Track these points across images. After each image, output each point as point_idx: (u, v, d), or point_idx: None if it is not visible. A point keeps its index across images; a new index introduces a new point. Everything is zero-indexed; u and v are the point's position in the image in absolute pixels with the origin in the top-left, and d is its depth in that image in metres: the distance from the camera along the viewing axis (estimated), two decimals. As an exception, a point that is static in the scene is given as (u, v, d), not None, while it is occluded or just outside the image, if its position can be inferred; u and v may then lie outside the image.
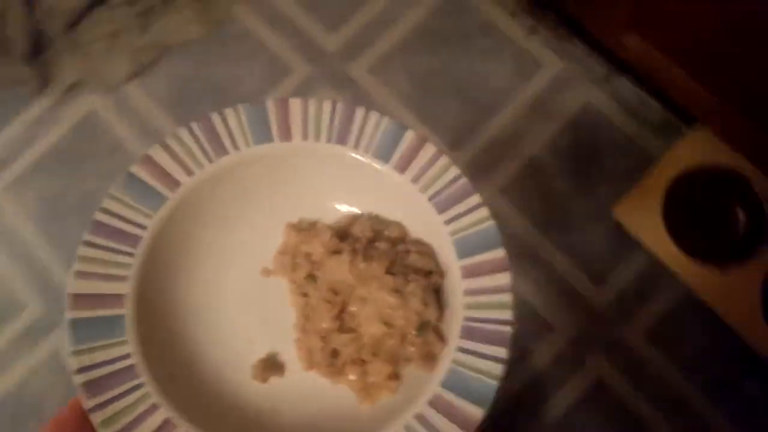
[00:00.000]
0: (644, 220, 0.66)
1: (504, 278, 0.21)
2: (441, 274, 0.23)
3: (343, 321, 0.23)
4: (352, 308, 0.23)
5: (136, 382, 0.20)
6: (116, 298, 0.21)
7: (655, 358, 0.72)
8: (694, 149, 0.64)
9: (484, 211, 0.22)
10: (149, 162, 0.22)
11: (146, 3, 0.86)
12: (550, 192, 0.78)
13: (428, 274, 0.23)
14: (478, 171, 0.80)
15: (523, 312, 0.75)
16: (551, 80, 0.81)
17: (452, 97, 0.81)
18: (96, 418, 0.19)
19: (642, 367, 0.72)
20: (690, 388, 0.71)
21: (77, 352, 0.20)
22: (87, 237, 0.22)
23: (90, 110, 0.86)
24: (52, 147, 0.85)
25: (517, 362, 0.74)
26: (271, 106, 0.23)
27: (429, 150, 0.23)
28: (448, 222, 0.22)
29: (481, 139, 0.81)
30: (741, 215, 0.64)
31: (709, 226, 0.65)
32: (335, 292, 0.23)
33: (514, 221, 0.78)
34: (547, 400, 0.73)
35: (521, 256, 0.77)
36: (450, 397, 0.20)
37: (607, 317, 0.74)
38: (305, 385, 0.23)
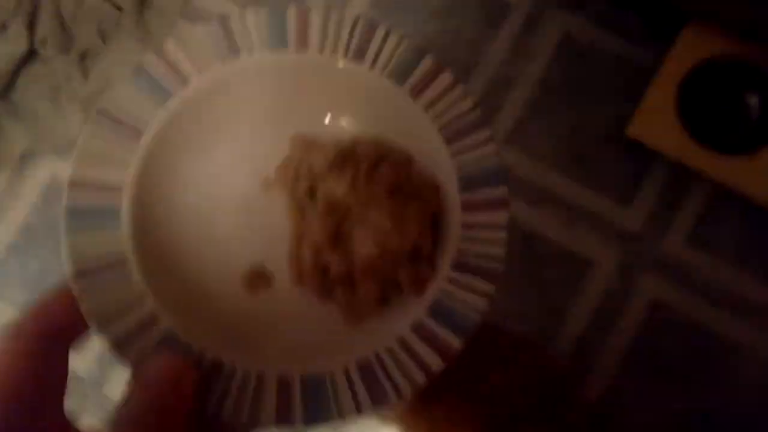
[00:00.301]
0: (661, 128, 0.65)
1: (502, 215, 0.21)
2: (441, 204, 0.22)
3: (337, 239, 0.23)
4: (348, 228, 0.23)
5: (124, 274, 0.20)
6: (114, 191, 0.21)
7: (702, 262, 0.72)
8: (694, 47, 0.62)
9: (491, 147, 0.22)
10: (161, 55, 0.22)
11: (81, 47, 0.79)
12: (553, 129, 0.76)
13: (428, 203, 0.23)
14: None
15: (560, 255, 0.74)
16: (523, 20, 0.79)
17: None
18: (84, 304, 0.19)
19: (692, 274, 0.72)
20: (744, 280, 0.70)
21: (71, 239, 0.20)
22: (90, 126, 0.21)
23: (52, 174, 0.79)
24: (22, 225, 0.77)
25: (569, 305, 0.72)
26: (291, 12, 0.22)
27: (446, 78, 0.23)
28: (455, 155, 0.22)
29: (470, 93, 0.78)
30: (754, 100, 0.63)
31: (727, 118, 0.64)
32: (333, 210, 0.23)
33: (526, 168, 0.76)
34: (611, 335, 0.71)
35: (543, 201, 0.75)
36: (433, 324, 0.20)
37: (644, 236, 0.73)
38: (292, 301, 0.23)
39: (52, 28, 0.75)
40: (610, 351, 0.71)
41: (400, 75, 0.22)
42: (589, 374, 0.71)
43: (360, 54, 0.22)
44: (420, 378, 0.20)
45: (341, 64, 0.22)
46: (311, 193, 0.23)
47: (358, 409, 0.19)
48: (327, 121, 0.24)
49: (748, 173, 0.63)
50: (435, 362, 0.20)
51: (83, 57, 0.79)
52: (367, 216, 0.22)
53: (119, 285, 0.20)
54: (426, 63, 0.23)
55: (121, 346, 0.20)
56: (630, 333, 0.71)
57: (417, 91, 0.23)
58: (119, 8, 0.77)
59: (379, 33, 0.22)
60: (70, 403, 0.18)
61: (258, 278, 0.23)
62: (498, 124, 0.77)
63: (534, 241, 0.74)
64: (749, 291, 0.70)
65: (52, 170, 0.78)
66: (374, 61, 0.22)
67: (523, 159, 0.76)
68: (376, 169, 0.23)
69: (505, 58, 0.79)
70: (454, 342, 0.21)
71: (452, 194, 0.22)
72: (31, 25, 0.75)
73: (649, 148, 0.69)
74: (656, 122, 0.65)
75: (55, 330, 0.18)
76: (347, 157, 0.23)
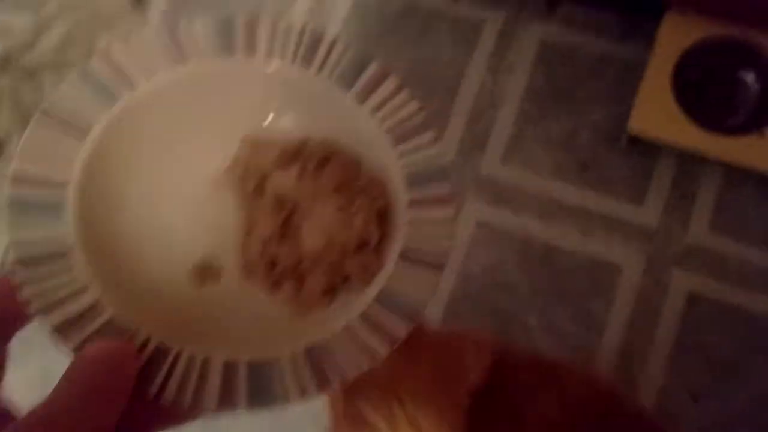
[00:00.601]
0: (662, 120, 0.63)
1: (446, 211, 0.22)
2: (388, 200, 0.23)
3: (285, 232, 0.24)
4: (296, 221, 0.24)
5: (65, 264, 0.20)
6: (58, 186, 0.21)
7: (730, 247, 0.70)
8: (678, 35, 0.62)
9: (436, 147, 0.23)
10: (106, 58, 0.22)
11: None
12: (550, 140, 0.74)
13: (375, 198, 0.23)
14: (473, 148, 0.75)
15: (584, 266, 0.71)
16: (496, 36, 0.78)
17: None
18: (25, 293, 0.20)
19: (722, 260, 0.69)
20: (776, 258, 0.68)
21: (15, 228, 0.20)
22: (33, 124, 0.21)
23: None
24: None
25: (604, 314, 0.69)
26: (239, 21, 0.23)
27: (391, 83, 0.23)
28: (402, 155, 0.23)
29: (459, 116, 0.76)
30: (750, 77, 0.62)
31: (727, 98, 0.63)
32: (281, 204, 0.24)
33: (531, 182, 0.73)
34: (653, 337, 0.68)
35: (554, 213, 0.72)
36: (378, 312, 0.21)
37: (664, 231, 0.71)
38: (240, 293, 0.23)
39: None
40: (656, 353, 0.68)
41: (347, 80, 0.23)
42: (638, 381, 0.68)
43: (308, 60, 0.23)
44: (365, 363, 0.20)
45: (289, 69, 0.23)
46: (260, 189, 0.24)
47: (302, 394, 0.20)
48: (275, 124, 0.25)
49: (760, 150, 0.62)
50: (381, 348, 0.20)
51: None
52: (314, 210, 0.23)
53: (62, 275, 0.20)
54: (372, 69, 0.23)
55: (62, 332, 0.20)
56: (672, 331, 0.68)
57: (364, 96, 0.23)
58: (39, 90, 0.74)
59: (326, 41, 0.23)
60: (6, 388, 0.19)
61: (206, 272, 0.24)
62: (493, 143, 0.75)
63: (554, 255, 0.71)
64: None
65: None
66: (321, 67, 0.23)
67: (527, 174, 0.74)
68: (324, 166, 0.24)
69: (486, 77, 0.77)
70: (400, 328, 0.21)
71: (399, 191, 0.22)
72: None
73: (652, 141, 0.67)
74: (656, 114, 0.64)
75: None
76: (295, 154, 0.24)
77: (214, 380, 0.20)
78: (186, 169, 0.24)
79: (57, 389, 0.17)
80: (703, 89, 0.63)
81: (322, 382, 0.20)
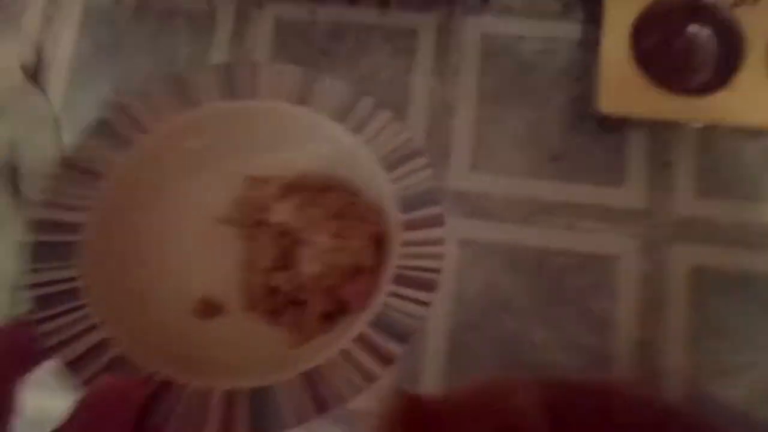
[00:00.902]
0: (631, 93, 0.59)
1: (438, 232, 0.23)
2: (383, 225, 0.24)
3: (285, 261, 0.25)
4: (296, 250, 0.25)
5: (78, 303, 0.21)
6: (73, 229, 0.22)
7: (721, 209, 0.66)
8: (625, 5, 0.57)
9: (427, 172, 0.24)
10: (121, 109, 0.24)
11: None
12: (514, 138, 0.70)
13: (370, 224, 0.24)
14: (437, 162, 0.69)
15: (578, 263, 0.66)
16: (433, 40, 0.73)
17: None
18: (42, 329, 0.21)
19: (716, 224, 0.66)
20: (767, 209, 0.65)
21: (33, 270, 0.22)
22: (53, 172, 0.23)
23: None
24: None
25: (611, 309, 0.65)
26: (242, 68, 0.25)
27: (383, 116, 0.25)
28: (395, 181, 0.24)
29: (415, 132, 0.70)
30: (706, 33, 0.59)
31: (688, 61, 0.59)
32: (281, 234, 0.25)
33: (503, 186, 0.68)
34: (668, 325, 0.64)
35: (534, 214, 0.67)
36: (374, 335, 0.21)
37: (652, 209, 0.67)
38: (241, 326, 0.25)
39: None
40: (674, 338, 0.64)
41: (342, 114, 0.25)
42: (663, 371, 0.64)
43: (304, 98, 0.25)
44: (363, 385, 0.21)
45: (286, 108, 0.25)
46: (261, 222, 0.25)
47: (301, 420, 0.20)
48: (275, 160, 0.26)
49: (730, 104, 0.59)
50: (377, 369, 0.21)
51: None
52: (312, 238, 0.24)
53: (74, 313, 0.21)
54: (364, 103, 0.25)
55: (73, 368, 0.20)
56: (684, 311, 0.65)
57: (358, 128, 0.25)
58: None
59: (321, 80, 0.25)
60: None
61: (208, 307, 0.25)
62: (457, 153, 0.70)
63: (546, 259, 0.66)
64: (778, 219, 0.66)
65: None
66: (317, 104, 0.25)
67: (498, 179, 0.69)
68: (322, 196, 0.25)
69: (433, 85, 0.72)
70: (395, 350, 0.21)
71: (394, 216, 0.24)
72: None
73: (619, 117, 0.63)
74: (622, 89, 0.60)
75: (12, 353, 0.19)
76: (294, 187, 0.25)
77: (216, 410, 0.20)
78: (191, 208, 0.26)
79: (67, 419, 0.17)
80: (662, 55, 0.60)
81: (321, 407, 0.20)
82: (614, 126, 0.67)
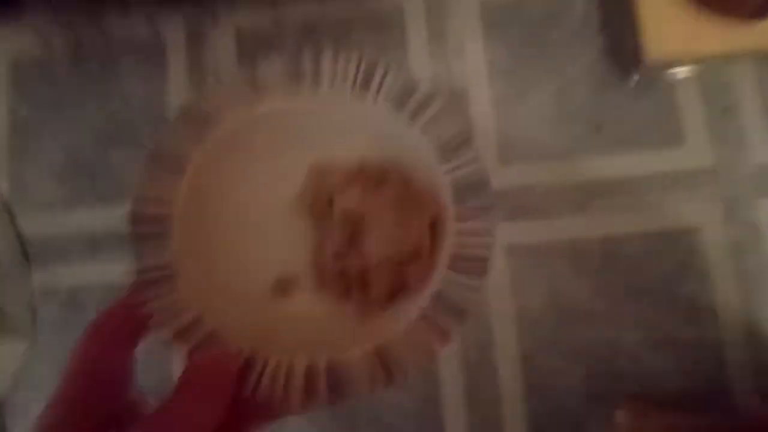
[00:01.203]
0: (680, 30, 0.49)
1: (488, 223, 0.24)
2: (437, 213, 0.25)
3: (352, 244, 0.26)
4: (361, 235, 0.26)
5: (173, 286, 0.24)
6: (164, 220, 0.24)
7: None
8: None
9: (478, 164, 0.24)
10: (203, 99, 0.25)
11: None
12: (542, 113, 0.59)
13: (426, 212, 0.26)
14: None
15: (654, 244, 0.55)
16: (422, 19, 0.62)
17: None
18: (148, 309, 0.23)
19: None
20: None
21: (135, 258, 0.24)
22: (144, 167, 0.25)
23: None
24: None
25: (705, 289, 0.54)
26: (306, 56, 0.25)
27: (437, 105, 0.25)
28: (448, 171, 0.24)
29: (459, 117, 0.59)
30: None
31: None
32: (348, 220, 0.27)
33: (546, 172, 0.57)
34: (772, 293, 0.54)
35: (591, 198, 0.56)
36: (434, 313, 0.23)
37: (724, 162, 0.56)
38: (314, 305, 0.26)
39: None
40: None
41: (400, 103, 0.25)
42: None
43: (365, 86, 0.25)
44: (426, 359, 0.23)
45: (348, 97, 0.25)
46: (327, 209, 0.27)
47: (372, 390, 0.22)
48: (337, 150, 0.27)
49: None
50: (437, 345, 0.22)
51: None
52: (375, 224, 0.26)
53: (171, 294, 0.23)
54: (420, 92, 0.25)
55: (175, 342, 0.23)
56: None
57: (414, 116, 0.25)
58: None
59: (381, 67, 0.25)
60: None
61: (284, 286, 0.27)
62: (479, 146, 0.59)
63: (614, 250, 0.55)
64: None
65: None
66: (377, 92, 0.25)
67: (535, 167, 0.58)
68: (382, 184, 0.27)
69: (434, 70, 0.60)
70: (452, 326, 0.23)
71: (447, 204, 0.24)
72: None
73: (672, 62, 0.53)
74: (671, 25, 0.49)
75: (127, 327, 0.22)
76: (356, 175, 0.27)
77: (298, 381, 0.22)
78: (264, 196, 0.27)
79: (174, 391, 0.20)
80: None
81: (389, 378, 0.22)
82: (655, 79, 0.56)
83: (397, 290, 0.26)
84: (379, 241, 0.26)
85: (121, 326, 0.22)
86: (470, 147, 0.24)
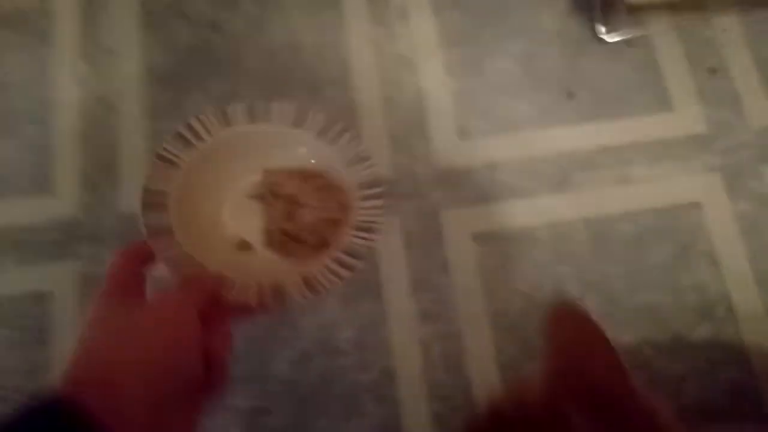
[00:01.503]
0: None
1: (379, 202, 0.37)
2: (348, 196, 0.38)
3: (291, 216, 0.39)
4: (297, 209, 0.39)
5: (173, 238, 0.35)
6: (165, 195, 0.36)
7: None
8: None
9: (372, 169, 0.38)
10: (192, 125, 0.38)
11: None
12: (510, 82, 0.50)
13: (341, 195, 0.38)
14: (411, 137, 0.48)
15: (654, 222, 0.46)
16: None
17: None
18: (153, 249, 0.34)
19: None
20: None
21: (145, 216, 0.35)
22: (150, 167, 0.36)
23: None
24: None
25: (712, 266, 0.44)
26: (260, 103, 0.40)
27: (349, 134, 0.39)
28: (352, 174, 0.38)
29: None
30: None
31: None
32: (289, 201, 0.39)
33: (520, 146, 0.48)
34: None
35: (575, 172, 0.47)
36: (343, 257, 0.36)
37: (720, 126, 0.48)
38: (264, 257, 0.38)
39: None
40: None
41: (322, 132, 0.39)
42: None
43: (299, 123, 0.39)
44: (334, 280, 0.35)
45: (288, 129, 0.40)
46: (275, 194, 0.40)
47: (303, 298, 0.35)
48: (282, 159, 0.40)
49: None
50: (344, 274, 0.35)
51: None
52: (307, 202, 0.39)
53: (170, 243, 0.35)
54: (338, 125, 0.39)
55: (172, 269, 0.34)
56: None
57: (333, 141, 0.39)
58: None
59: (312, 111, 0.39)
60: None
61: (244, 245, 0.38)
62: (433, 120, 0.49)
63: (604, 230, 0.46)
64: None
65: None
66: (305, 125, 0.39)
67: (504, 139, 0.48)
68: (311, 179, 0.40)
69: (374, 37, 0.51)
70: (355, 263, 0.35)
71: (354, 192, 0.38)
72: None
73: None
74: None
75: (141, 256, 0.32)
76: (294, 174, 0.40)
77: (254, 294, 0.34)
78: (232, 186, 0.39)
79: (174, 286, 0.32)
80: None
81: (314, 292, 0.35)
82: (632, 40, 0.49)
83: (321, 246, 0.38)
84: (310, 213, 0.39)
85: (137, 255, 0.32)
86: (367, 161, 0.38)
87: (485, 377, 0.43)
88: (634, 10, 0.48)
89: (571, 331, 0.31)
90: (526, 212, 0.46)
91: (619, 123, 0.48)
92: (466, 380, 0.43)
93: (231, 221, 0.38)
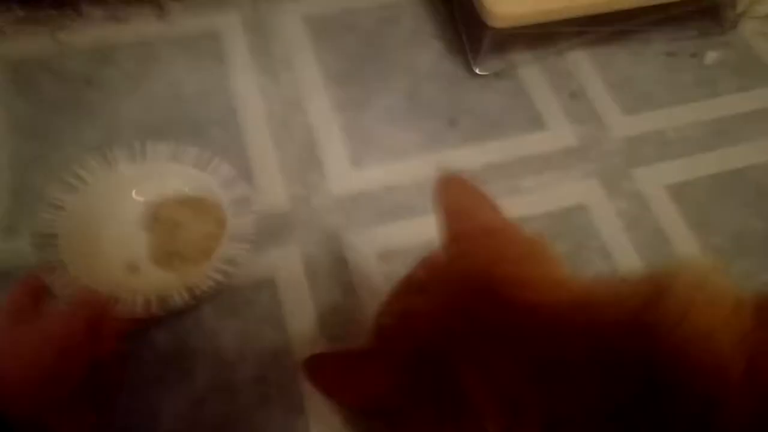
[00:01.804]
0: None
1: (249, 217, 0.43)
2: (223, 215, 0.44)
3: (174, 235, 0.44)
4: (179, 229, 0.44)
5: (65, 268, 0.40)
6: (54, 235, 0.41)
7: (656, 114, 0.54)
8: None
9: (244, 188, 0.44)
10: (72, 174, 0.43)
11: None
12: (396, 114, 0.52)
13: (217, 213, 0.44)
14: (308, 170, 0.47)
15: (551, 225, 0.47)
16: (242, 38, 0.54)
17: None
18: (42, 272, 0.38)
19: (661, 135, 0.53)
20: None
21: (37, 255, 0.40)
22: (42, 211, 0.41)
23: None
24: None
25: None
26: (135, 145, 0.45)
27: (225, 168, 0.45)
28: (227, 194, 0.44)
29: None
30: None
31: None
32: (171, 222, 0.44)
33: (412, 165, 0.49)
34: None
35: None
36: (222, 265, 0.41)
37: (588, 138, 0.52)
38: (152, 275, 0.43)
39: None
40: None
41: (203, 167, 0.45)
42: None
43: (175, 158, 0.45)
44: (213, 285, 0.41)
45: (185, 167, 0.45)
46: (158, 218, 0.45)
47: (187, 305, 0.40)
48: (162, 190, 0.45)
49: None
50: (222, 279, 0.41)
51: None
52: (189, 222, 0.44)
53: (63, 271, 0.39)
54: (215, 161, 0.45)
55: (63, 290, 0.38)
56: (688, 235, 0.48)
57: (212, 171, 0.45)
58: None
59: (185, 147, 0.45)
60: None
61: (133, 266, 0.43)
62: (327, 153, 0.49)
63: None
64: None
65: None
66: (183, 160, 0.45)
67: (396, 164, 0.49)
68: (191, 203, 0.45)
69: (262, 84, 0.52)
70: (231, 270, 0.41)
71: (227, 211, 0.44)
72: None
73: (511, 32, 0.50)
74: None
75: (36, 282, 0.36)
76: (172, 200, 0.45)
77: (140, 304, 0.39)
78: (119, 221, 0.44)
79: (70, 305, 0.36)
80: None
81: (195, 298, 0.40)
82: (503, 70, 0.53)
83: (203, 259, 0.43)
84: (191, 230, 0.44)
85: (33, 280, 0.36)
86: (235, 181, 0.44)
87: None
88: (499, 48, 0.53)
89: (455, 195, 0.34)
90: (426, 228, 0.46)
91: (501, 143, 0.51)
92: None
93: (121, 249, 0.43)
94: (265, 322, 0.42)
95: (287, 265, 0.44)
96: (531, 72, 0.55)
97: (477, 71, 0.54)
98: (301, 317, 0.42)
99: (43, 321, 0.32)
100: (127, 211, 0.44)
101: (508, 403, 0.24)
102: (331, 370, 0.35)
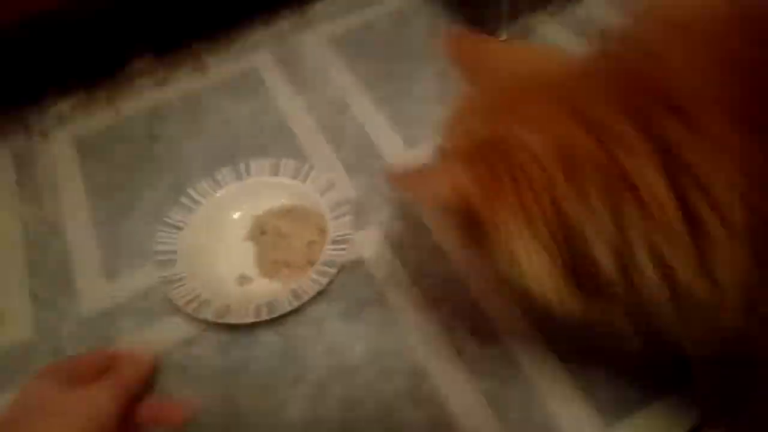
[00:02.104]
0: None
1: (347, 220, 0.46)
2: (325, 220, 0.47)
3: (279, 246, 0.47)
4: (282, 240, 0.48)
5: (185, 280, 0.44)
6: (174, 252, 0.46)
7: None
8: None
9: (342, 193, 0.48)
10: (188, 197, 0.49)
11: None
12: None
13: (319, 220, 0.47)
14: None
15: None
16: (10, 166, 0.58)
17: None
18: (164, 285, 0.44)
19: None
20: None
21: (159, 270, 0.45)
22: (161, 228, 0.47)
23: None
24: None
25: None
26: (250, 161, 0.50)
27: (325, 177, 0.48)
28: (325, 200, 0.47)
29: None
30: None
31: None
32: (278, 234, 0.48)
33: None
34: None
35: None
36: (324, 268, 0.44)
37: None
38: (262, 287, 0.46)
39: None
40: None
41: (302, 178, 0.49)
42: None
43: (295, 176, 0.49)
44: (317, 288, 0.43)
45: (284, 179, 0.49)
46: (265, 232, 0.48)
47: (291, 305, 0.42)
48: (269, 201, 0.50)
49: None
50: (324, 281, 0.43)
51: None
52: (293, 232, 0.48)
53: (184, 285, 0.44)
54: (324, 178, 0.49)
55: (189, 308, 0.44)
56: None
57: (309, 180, 0.49)
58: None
59: (304, 166, 0.49)
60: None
61: (244, 279, 0.46)
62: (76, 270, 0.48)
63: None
64: None
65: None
66: (282, 172, 0.50)
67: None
68: (296, 212, 0.49)
69: (25, 211, 0.54)
70: (332, 271, 0.43)
71: (328, 215, 0.47)
72: None
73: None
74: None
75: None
76: (275, 212, 0.49)
77: (256, 313, 0.42)
78: (230, 235, 0.48)
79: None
80: None
81: (299, 300, 0.42)
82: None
83: (307, 265, 0.45)
84: (297, 240, 0.47)
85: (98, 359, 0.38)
86: (335, 187, 0.47)
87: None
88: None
89: (468, 52, 0.32)
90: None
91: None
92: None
93: (232, 262, 0.46)
94: (365, 303, 0.44)
95: (371, 246, 0.47)
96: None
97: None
98: (397, 289, 0.43)
99: (66, 398, 0.33)
100: (236, 225, 0.48)
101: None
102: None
